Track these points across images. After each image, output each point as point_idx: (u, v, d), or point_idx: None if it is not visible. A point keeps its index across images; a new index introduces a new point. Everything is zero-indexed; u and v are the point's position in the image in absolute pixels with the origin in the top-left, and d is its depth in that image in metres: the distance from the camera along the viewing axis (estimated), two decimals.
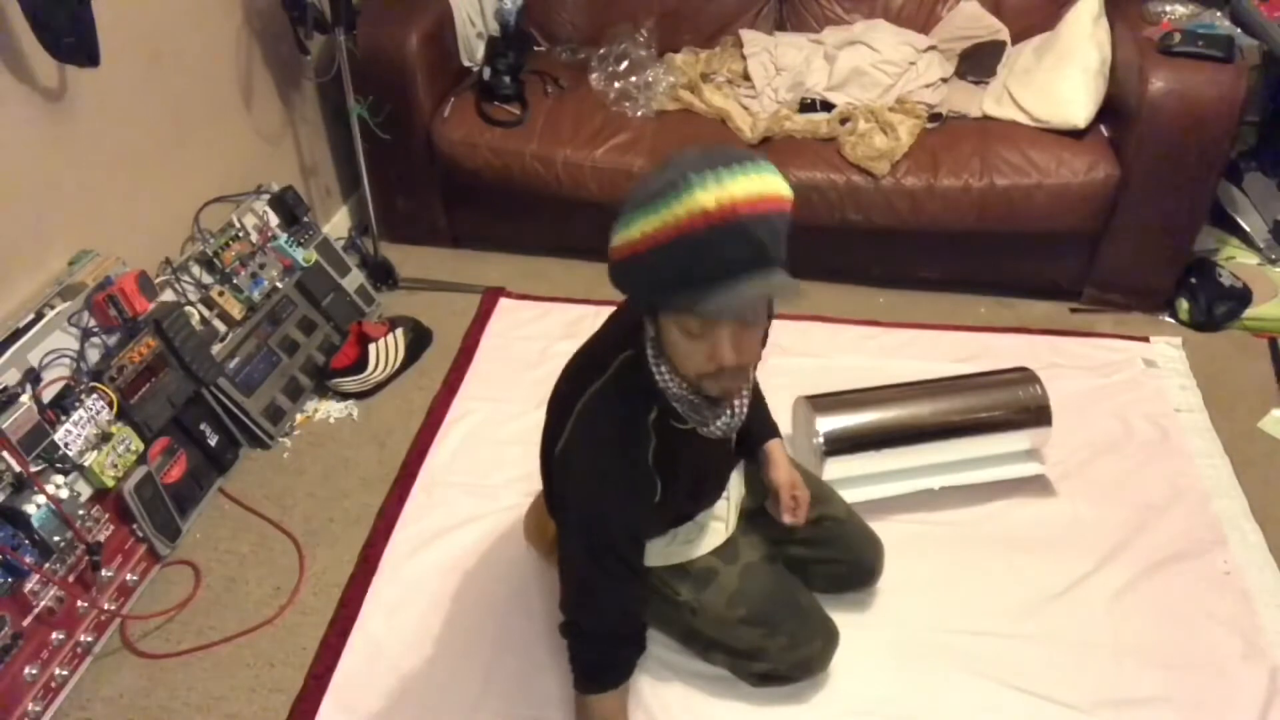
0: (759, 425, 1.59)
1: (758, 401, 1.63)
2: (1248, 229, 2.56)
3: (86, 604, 1.61)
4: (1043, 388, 1.85)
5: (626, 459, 1.21)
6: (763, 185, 0.96)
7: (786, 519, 1.50)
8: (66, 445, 1.57)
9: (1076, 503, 1.87)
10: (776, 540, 1.59)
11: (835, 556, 1.62)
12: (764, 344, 1.41)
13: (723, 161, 0.95)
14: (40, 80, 1.69)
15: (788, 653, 1.48)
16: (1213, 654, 1.59)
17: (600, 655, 1.33)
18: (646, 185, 1.00)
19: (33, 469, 1.51)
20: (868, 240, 2.44)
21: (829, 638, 1.52)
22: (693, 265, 0.96)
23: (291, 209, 2.27)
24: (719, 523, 1.52)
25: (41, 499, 1.51)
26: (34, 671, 1.50)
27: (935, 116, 2.43)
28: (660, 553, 1.47)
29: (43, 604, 1.52)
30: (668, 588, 1.50)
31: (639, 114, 2.52)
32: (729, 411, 1.24)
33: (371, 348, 2.21)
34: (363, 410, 2.18)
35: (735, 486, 1.53)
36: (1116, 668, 1.57)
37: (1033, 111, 2.35)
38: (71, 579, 1.58)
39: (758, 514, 1.60)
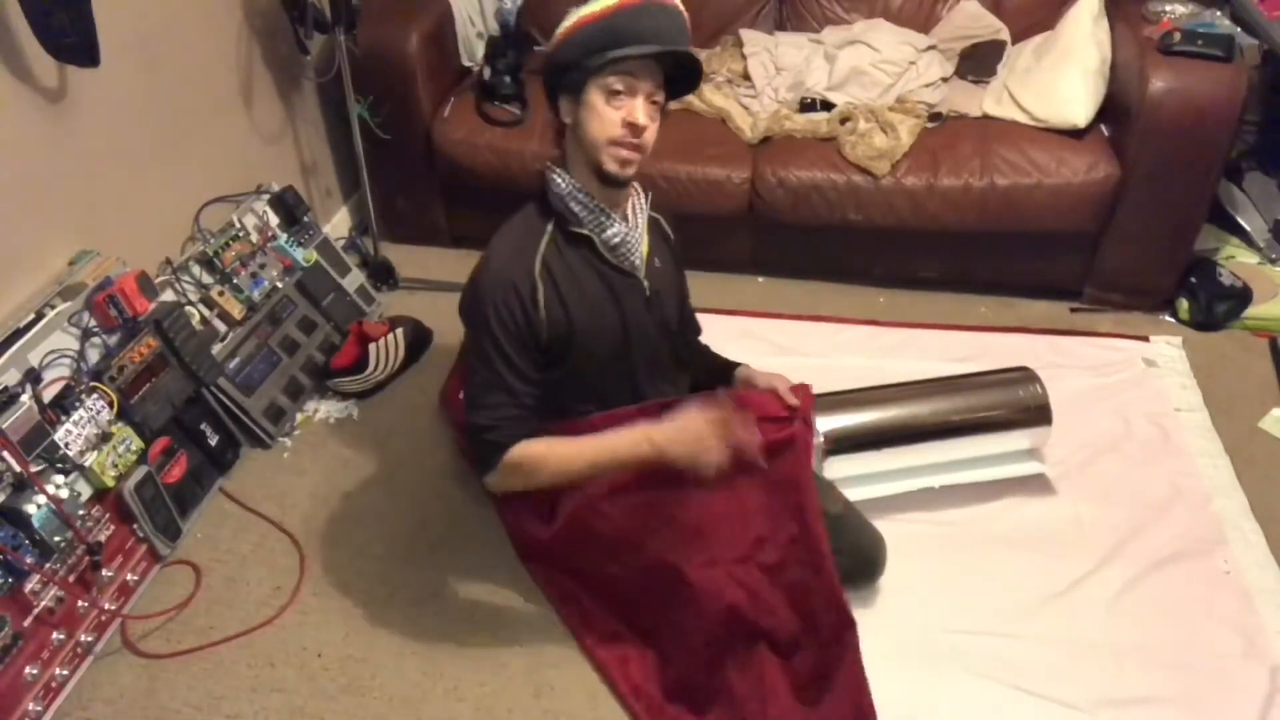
0: (722, 362, 1.82)
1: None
2: (1248, 228, 2.56)
3: (87, 604, 1.61)
4: (1043, 387, 1.85)
5: (519, 244, 1.50)
6: None
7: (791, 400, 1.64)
8: (67, 445, 1.57)
9: (1076, 502, 1.87)
10: None
11: (835, 546, 1.61)
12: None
13: None
14: (40, 80, 1.69)
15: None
16: (1213, 653, 1.59)
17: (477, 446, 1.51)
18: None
19: (33, 469, 1.51)
20: (868, 240, 2.45)
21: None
22: (619, 28, 1.38)
23: (291, 209, 2.27)
24: None
25: (42, 499, 1.51)
26: (34, 671, 1.50)
27: (935, 116, 2.43)
28: None
29: (43, 604, 1.52)
30: None
31: None
32: (623, 219, 1.53)
33: (372, 348, 2.21)
34: (363, 410, 2.18)
35: None
36: (1116, 668, 1.57)
37: (1033, 111, 2.35)
38: (72, 579, 1.58)
39: None
